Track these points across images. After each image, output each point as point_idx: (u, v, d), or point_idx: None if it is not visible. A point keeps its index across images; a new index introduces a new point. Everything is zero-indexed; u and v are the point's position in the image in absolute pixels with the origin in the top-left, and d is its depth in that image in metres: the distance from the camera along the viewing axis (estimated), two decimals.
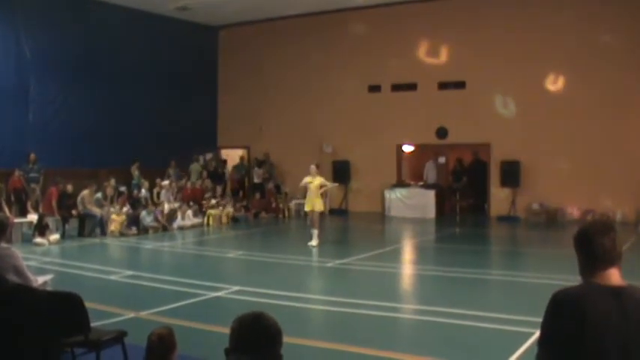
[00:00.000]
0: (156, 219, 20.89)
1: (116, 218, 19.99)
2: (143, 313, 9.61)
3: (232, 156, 29.93)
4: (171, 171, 25.42)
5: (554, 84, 23.18)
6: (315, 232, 17.22)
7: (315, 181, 17.49)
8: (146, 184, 23.04)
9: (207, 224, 22.57)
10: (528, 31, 23.50)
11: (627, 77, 21.91)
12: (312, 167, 17.89)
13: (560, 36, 22.95)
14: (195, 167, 26.91)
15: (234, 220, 23.61)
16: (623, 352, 2.97)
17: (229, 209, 23.84)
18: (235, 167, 28.75)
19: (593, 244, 3.16)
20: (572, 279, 3.27)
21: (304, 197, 18.81)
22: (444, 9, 25.12)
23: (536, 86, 23.43)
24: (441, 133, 25.43)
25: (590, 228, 3.24)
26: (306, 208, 18.05)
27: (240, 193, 27.37)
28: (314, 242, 17.07)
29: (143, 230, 20.30)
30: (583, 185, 22.50)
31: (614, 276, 3.14)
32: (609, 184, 21.97)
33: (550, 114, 23.09)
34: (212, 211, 23.04)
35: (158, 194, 22.97)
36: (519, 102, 23.76)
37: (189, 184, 24.62)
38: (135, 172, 23.82)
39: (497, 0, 24.23)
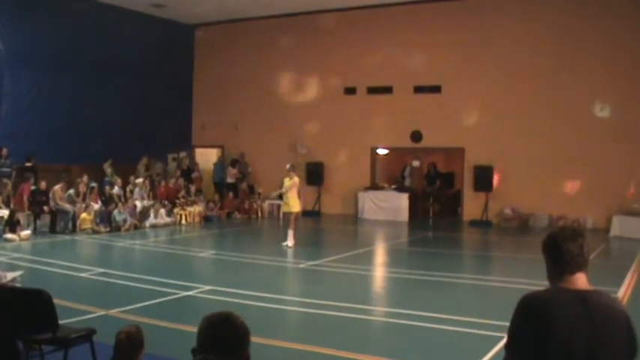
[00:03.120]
0: (130, 215, 20.79)
1: (86, 217, 19.85)
2: (113, 311, 9.55)
3: (206, 155, 29.85)
4: (141, 168, 25.18)
5: (529, 90, 23.32)
6: (291, 232, 17.20)
7: (288, 182, 17.41)
8: (119, 181, 22.89)
9: (180, 223, 22.50)
10: (504, 36, 23.67)
11: (600, 86, 22.15)
12: (288, 167, 17.79)
13: (534, 43, 23.11)
14: (172, 166, 26.83)
15: (206, 220, 23.53)
16: (588, 356, 3.01)
17: (200, 208, 23.75)
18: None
19: (561, 250, 3.20)
20: (541, 283, 3.30)
21: (279, 198, 18.80)
22: (422, 13, 25.21)
23: (511, 92, 23.59)
24: (416, 136, 25.53)
25: (559, 233, 3.28)
26: (283, 209, 18.03)
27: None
28: (289, 243, 17.05)
29: (115, 228, 20.18)
30: (555, 191, 22.69)
31: (581, 281, 3.18)
32: (581, 191, 22.19)
33: (524, 120, 23.26)
34: (186, 210, 22.99)
35: (131, 192, 22.83)
36: (493, 108, 23.90)
37: (163, 183, 24.49)
38: (108, 169, 23.64)
39: (473, 5, 24.35)
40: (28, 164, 21.63)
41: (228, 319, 3.09)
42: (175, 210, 22.84)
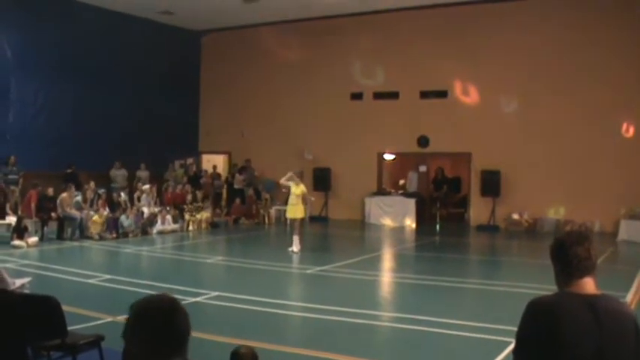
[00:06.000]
0: (135, 223, 20.83)
1: (97, 220, 19.89)
2: (121, 318, 9.54)
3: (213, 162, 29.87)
4: (141, 174, 25.11)
5: (535, 94, 23.29)
6: (296, 238, 17.22)
7: (297, 190, 17.46)
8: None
9: (187, 229, 22.51)
10: (510, 41, 23.68)
11: (607, 91, 22.11)
12: (293, 173, 17.82)
13: (542, 49, 23.12)
14: (179, 172, 26.86)
15: (213, 226, 23.54)
16: None
17: (207, 214, 23.73)
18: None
19: (569, 254, 3.20)
20: (549, 288, 3.30)
21: (285, 203, 18.83)
22: (427, 18, 25.23)
23: (517, 97, 23.59)
24: (423, 141, 25.51)
25: (566, 238, 3.28)
26: (288, 215, 18.08)
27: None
28: (295, 248, 17.07)
29: (122, 234, 20.21)
30: (562, 196, 22.68)
31: (589, 285, 3.18)
32: (588, 195, 22.14)
33: (531, 124, 23.25)
34: (194, 216, 23.00)
35: (139, 198, 22.87)
36: (499, 112, 23.87)
37: (170, 189, 24.53)
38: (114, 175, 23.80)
39: (479, 11, 24.35)
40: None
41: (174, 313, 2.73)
42: (186, 216, 22.84)
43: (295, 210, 17.47)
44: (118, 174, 24.60)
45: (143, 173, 25.07)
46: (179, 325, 2.66)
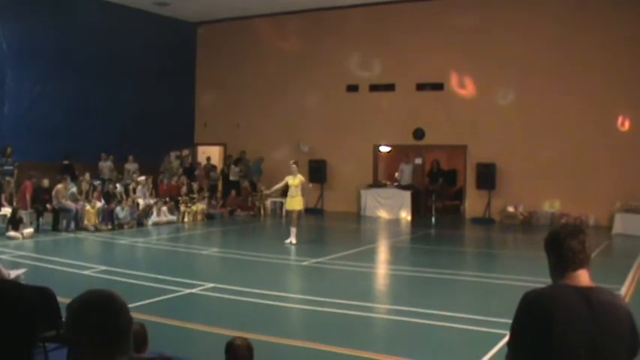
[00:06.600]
0: (131, 214, 20.84)
1: (91, 210, 19.91)
2: None
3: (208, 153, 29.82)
4: (129, 166, 25.00)
5: (531, 87, 23.29)
6: (294, 230, 17.24)
7: (295, 181, 17.48)
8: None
9: (183, 221, 22.50)
10: (506, 34, 23.63)
11: (603, 85, 22.11)
12: (293, 166, 17.86)
13: (537, 41, 23.09)
14: (175, 164, 26.82)
15: (209, 218, 23.53)
16: (591, 352, 3.02)
17: (203, 206, 23.71)
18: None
19: (563, 247, 3.21)
20: (544, 281, 3.31)
21: (281, 195, 18.84)
22: (424, 10, 25.21)
23: (513, 90, 23.59)
24: (419, 134, 25.51)
25: (561, 231, 3.29)
26: (287, 207, 18.11)
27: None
28: (292, 240, 17.09)
29: (118, 226, 20.20)
30: (558, 189, 22.70)
31: (583, 277, 3.19)
32: (583, 189, 22.15)
33: (526, 117, 23.24)
34: (190, 208, 22.98)
35: (134, 190, 22.84)
36: (496, 105, 23.86)
37: (165, 181, 24.50)
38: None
39: (474, 3, 24.33)
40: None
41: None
42: (182, 208, 22.83)
43: (294, 202, 17.52)
44: (104, 166, 24.48)
45: (131, 165, 24.94)
46: (121, 322, 2.58)
